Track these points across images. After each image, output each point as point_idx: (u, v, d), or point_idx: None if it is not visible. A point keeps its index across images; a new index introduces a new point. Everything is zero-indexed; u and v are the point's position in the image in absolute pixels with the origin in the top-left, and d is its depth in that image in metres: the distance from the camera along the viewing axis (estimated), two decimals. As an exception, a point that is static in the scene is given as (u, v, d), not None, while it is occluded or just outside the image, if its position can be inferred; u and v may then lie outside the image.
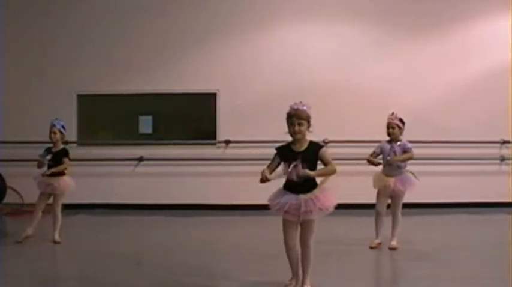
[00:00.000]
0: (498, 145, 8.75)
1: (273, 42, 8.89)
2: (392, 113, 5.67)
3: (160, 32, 8.91)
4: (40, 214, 5.91)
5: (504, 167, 8.79)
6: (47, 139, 8.55)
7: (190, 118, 9.04)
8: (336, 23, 8.90)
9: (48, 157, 6.01)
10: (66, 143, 6.02)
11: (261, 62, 8.87)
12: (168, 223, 7.70)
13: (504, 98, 8.63)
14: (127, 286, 4.18)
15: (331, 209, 3.87)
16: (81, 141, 8.92)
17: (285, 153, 3.92)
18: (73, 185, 6.03)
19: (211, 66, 8.88)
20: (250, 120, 8.77)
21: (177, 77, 8.87)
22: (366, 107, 8.71)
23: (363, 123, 8.66)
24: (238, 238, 6.27)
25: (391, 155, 5.56)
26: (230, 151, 8.77)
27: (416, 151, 8.46)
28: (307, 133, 3.95)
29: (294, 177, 3.78)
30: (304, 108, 3.95)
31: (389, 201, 5.67)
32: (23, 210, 7.95)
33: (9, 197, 8.43)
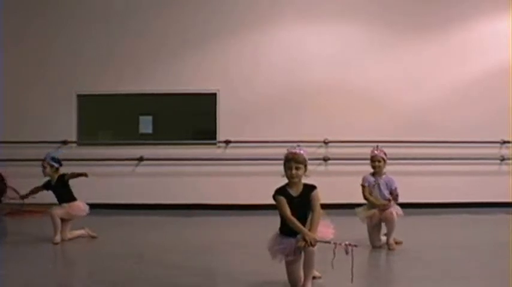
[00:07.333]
0: (498, 144, 8.76)
1: (273, 42, 8.89)
2: (377, 147, 5.65)
3: (160, 32, 8.92)
4: (59, 220, 5.90)
5: (504, 167, 8.80)
6: (47, 139, 8.64)
7: (190, 118, 9.04)
8: (336, 23, 8.91)
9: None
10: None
11: (261, 62, 8.87)
12: (168, 223, 7.70)
13: (504, 98, 8.65)
14: (126, 286, 4.18)
15: (331, 236, 3.88)
16: (81, 141, 8.94)
17: (282, 196, 3.92)
18: (87, 209, 6.08)
19: (211, 66, 8.89)
20: (250, 120, 8.77)
21: (177, 77, 8.88)
22: (366, 107, 8.72)
23: (363, 124, 8.68)
24: (238, 238, 6.26)
25: (375, 189, 5.53)
26: (230, 151, 8.77)
27: (417, 151, 8.60)
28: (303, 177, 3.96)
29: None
30: (302, 152, 3.96)
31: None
32: (23, 210, 7.95)
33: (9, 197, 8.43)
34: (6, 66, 8.82)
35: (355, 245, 3.76)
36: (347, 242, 3.74)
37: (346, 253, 3.73)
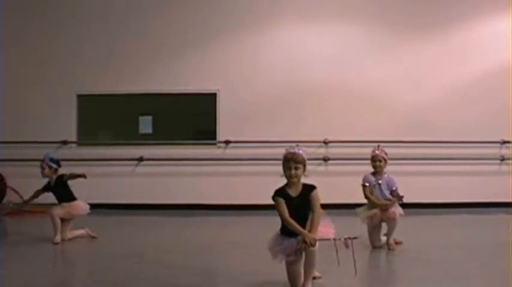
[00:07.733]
0: (498, 145, 8.76)
1: (273, 42, 8.89)
2: (378, 146, 5.64)
3: (160, 32, 8.92)
4: (59, 220, 5.91)
5: (504, 167, 8.80)
6: (47, 139, 8.64)
7: (190, 118, 9.04)
8: (336, 23, 8.91)
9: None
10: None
11: (261, 62, 8.87)
12: (168, 223, 7.70)
13: (504, 98, 8.65)
14: (126, 286, 4.18)
15: (332, 235, 3.87)
16: (81, 141, 8.94)
17: (282, 197, 3.92)
18: (87, 209, 6.09)
19: (211, 66, 8.88)
20: (250, 120, 8.77)
21: (177, 77, 8.88)
22: (366, 107, 8.72)
23: (363, 124, 8.68)
24: (238, 238, 6.26)
25: (376, 189, 5.52)
26: (230, 151, 8.77)
27: (417, 151, 8.60)
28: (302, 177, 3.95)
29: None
30: (301, 152, 3.95)
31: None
32: (23, 210, 7.95)
33: (9, 197, 8.43)
34: (6, 66, 8.81)
35: (355, 238, 3.77)
36: (346, 236, 3.74)
37: (346, 246, 3.73)
